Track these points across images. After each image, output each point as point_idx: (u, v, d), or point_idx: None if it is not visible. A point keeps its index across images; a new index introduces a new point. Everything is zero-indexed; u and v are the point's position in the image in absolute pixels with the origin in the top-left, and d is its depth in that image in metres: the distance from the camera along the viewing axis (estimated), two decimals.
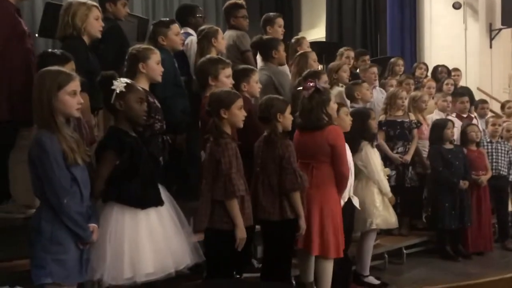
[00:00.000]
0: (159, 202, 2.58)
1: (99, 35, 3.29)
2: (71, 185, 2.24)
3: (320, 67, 5.46)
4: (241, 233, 2.76)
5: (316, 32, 9.99)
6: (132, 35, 4.71)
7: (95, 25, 3.23)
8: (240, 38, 4.46)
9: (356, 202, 3.70)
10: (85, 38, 3.20)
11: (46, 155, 2.17)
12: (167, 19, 3.88)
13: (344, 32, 9.29)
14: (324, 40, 9.17)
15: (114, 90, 2.50)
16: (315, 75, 3.90)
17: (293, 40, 5.09)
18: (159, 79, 3.02)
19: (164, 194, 2.67)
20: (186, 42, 4.10)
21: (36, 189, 2.25)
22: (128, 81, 2.60)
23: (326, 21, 9.66)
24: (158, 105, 2.98)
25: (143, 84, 2.85)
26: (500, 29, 8.45)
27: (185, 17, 4.39)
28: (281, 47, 4.20)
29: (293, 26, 10.16)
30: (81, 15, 3.16)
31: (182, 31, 4.00)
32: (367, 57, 6.20)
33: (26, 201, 3.13)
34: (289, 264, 3.12)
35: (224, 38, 4.18)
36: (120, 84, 2.51)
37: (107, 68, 3.06)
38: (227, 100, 2.84)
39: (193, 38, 4.11)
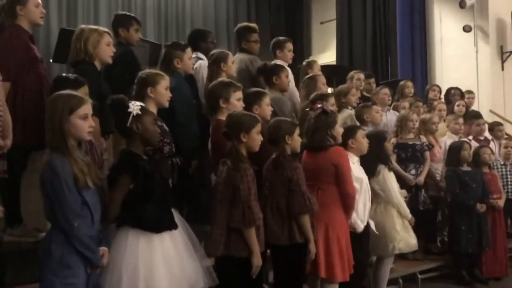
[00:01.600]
0: (173, 226, 2.57)
1: (110, 61, 3.35)
2: (82, 208, 2.24)
3: (330, 90, 5.48)
4: (257, 261, 2.72)
5: (327, 56, 10.06)
6: (144, 60, 4.78)
7: (106, 51, 3.29)
8: (252, 62, 4.49)
9: (372, 225, 3.66)
10: (97, 63, 3.27)
11: (58, 179, 2.18)
12: (182, 42, 3.94)
13: (354, 55, 9.34)
14: (334, 63, 9.23)
15: (129, 113, 2.51)
16: (323, 97, 3.92)
17: (304, 63, 5.12)
18: (167, 104, 3.05)
19: (176, 217, 2.65)
20: (195, 66, 4.16)
21: (47, 212, 2.26)
22: (142, 104, 2.63)
23: (337, 45, 9.73)
24: (166, 128, 3.01)
25: (151, 109, 2.87)
26: (511, 52, 8.43)
27: (197, 42, 4.45)
28: (283, 74, 4.20)
29: (303, 50, 10.25)
30: (93, 41, 3.23)
31: (193, 55, 4.06)
32: (373, 79, 6.24)
33: (37, 225, 3.15)
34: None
35: (235, 61, 4.22)
36: (135, 106, 2.53)
37: (119, 92, 3.09)
38: (248, 123, 2.82)
39: (202, 63, 4.16)
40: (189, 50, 3.76)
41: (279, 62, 4.60)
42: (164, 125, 3.00)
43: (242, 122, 2.82)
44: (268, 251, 3.12)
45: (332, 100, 4.10)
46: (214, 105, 3.24)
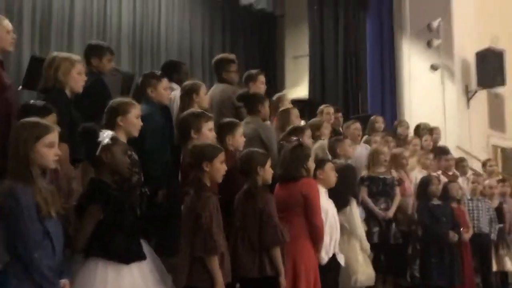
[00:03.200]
0: (142, 257, 2.53)
1: (80, 90, 3.31)
2: (43, 238, 2.17)
3: (302, 122, 5.54)
4: None
5: (300, 90, 10.20)
6: (116, 89, 4.74)
7: (77, 79, 3.26)
8: (236, 93, 4.51)
9: (341, 259, 3.65)
10: (67, 91, 3.22)
11: (19, 208, 2.12)
12: (158, 72, 3.94)
13: (326, 90, 9.51)
14: (307, 97, 9.37)
15: (99, 142, 2.48)
16: (300, 130, 3.96)
17: (274, 98, 5.19)
18: (136, 134, 3.02)
19: (145, 248, 2.61)
20: (170, 96, 4.14)
21: (6, 242, 2.16)
22: (113, 133, 2.60)
23: (309, 80, 9.91)
24: (136, 157, 2.97)
25: (121, 138, 2.83)
26: (476, 91, 8.76)
27: (171, 73, 4.42)
28: (267, 103, 4.26)
29: (277, 83, 10.39)
30: (64, 69, 3.19)
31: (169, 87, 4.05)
32: (340, 114, 6.34)
33: None
34: None
35: (214, 92, 4.23)
36: (106, 136, 2.50)
37: (90, 121, 3.06)
38: (210, 153, 2.84)
39: (177, 93, 4.15)
40: (164, 80, 3.75)
41: None
42: (133, 154, 2.95)
43: (205, 152, 2.83)
44: (238, 285, 3.07)
45: (309, 132, 4.15)
46: (185, 135, 3.23)
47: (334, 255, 3.58)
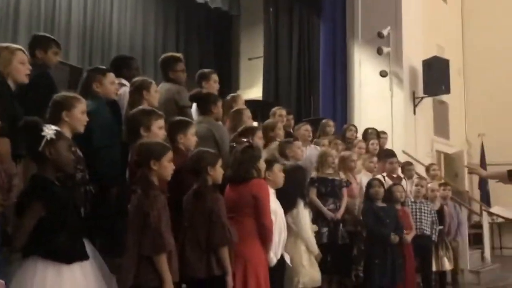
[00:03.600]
0: (84, 257, 2.46)
1: (25, 80, 3.18)
2: None
3: (255, 124, 5.57)
4: None
5: (254, 91, 10.26)
6: (63, 83, 4.58)
7: (20, 69, 3.12)
8: (180, 93, 4.45)
9: (287, 258, 3.68)
10: (10, 83, 3.08)
11: None
12: (104, 66, 3.83)
13: (280, 92, 9.62)
14: (261, 99, 9.43)
15: (43, 137, 2.39)
16: (251, 130, 3.97)
17: (228, 98, 5.17)
18: (82, 129, 2.94)
19: (88, 248, 2.54)
20: (119, 92, 4.05)
21: None
22: (58, 128, 2.51)
23: (263, 81, 9.98)
24: (80, 154, 2.88)
25: (65, 133, 2.73)
26: (422, 97, 9.11)
27: (120, 68, 4.31)
28: (219, 103, 4.23)
29: (231, 85, 10.40)
30: (4, 59, 3.06)
31: (117, 81, 3.95)
32: (291, 116, 6.41)
33: None
34: None
35: (160, 91, 4.15)
36: (50, 131, 2.42)
37: (34, 115, 2.94)
38: (158, 151, 2.79)
39: (126, 89, 4.06)
40: (110, 75, 3.66)
41: None
42: (78, 150, 2.87)
43: (152, 150, 2.78)
44: (184, 285, 3.05)
45: (260, 133, 4.15)
46: (134, 133, 3.16)
47: (282, 255, 3.60)
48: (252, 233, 3.25)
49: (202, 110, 4.20)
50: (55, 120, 2.79)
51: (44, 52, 3.77)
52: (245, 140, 3.35)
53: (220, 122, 4.56)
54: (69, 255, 2.37)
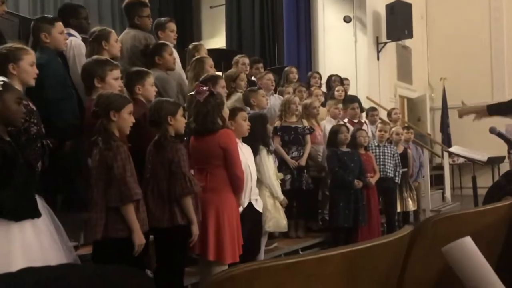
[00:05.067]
0: (35, 214, 2.39)
1: None
2: None
3: (219, 74, 5.48)
4: (139, 239, 2.62)
5: (217, 41, 10.06)
6: (13, 35, 4.35)
7: None
8: (147, 39, 4.30)
9: (259, 206, 3.73)
10: None
11: None
12: (51, 16, 3.64)
13: (243, 41, 9.46)
14: (224, 48, 9.27)
15: None
16: (213, 79, 3.89)
17: (190, 47, 5.04)
18: (32, 82, 2.82)
19: (41, 205, 2.48)
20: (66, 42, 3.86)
21: None
22: (5, 79, 2.39)
23: (226, 31, 9.77)
24: (33, 107, 2.77)
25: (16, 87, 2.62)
26: (385, 43, 9.12)
27: (68, 18, 4.02)
28: (166, 52, 4.09)
29: (193, 35, 10.15)
30: None
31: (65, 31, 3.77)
32: (261, 64, 6.35)
33: None
34: (182, 271, 3.03)
35: (126, 38, 3.98)
36: None
37: None
38: (118, 102, 2.73)
39: (73, 39, 3.86)
40: (59, 24, 3.47)
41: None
42: (30, 104, 2.76)
43: (112, 101, 2.71)
44: (152, 236, 3.05)
45: (222, 82, 4.05)
46: (88, 85, 3.05)
47: (250, 203, 3.64)
48: (224, 183, 3.24)
49: (150, 64, 4.07)
50: (2, 73, 2.65)
51: None
52: (204, 88, 3.24)
53: (182, 72, 4.46)
54: (17, 212, 2.30)
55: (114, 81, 3.07)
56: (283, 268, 0.88)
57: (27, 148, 2.53)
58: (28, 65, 2.78)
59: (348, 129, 5.25)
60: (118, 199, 2.58)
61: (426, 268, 1.16)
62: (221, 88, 3.95)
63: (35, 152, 2.69)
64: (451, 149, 6.10)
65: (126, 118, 2.75)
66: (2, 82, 2.32)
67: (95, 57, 3.23)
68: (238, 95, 4.67)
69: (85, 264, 2.50)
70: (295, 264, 0.89)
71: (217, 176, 3.23)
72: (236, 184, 3.29)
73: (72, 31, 3.92)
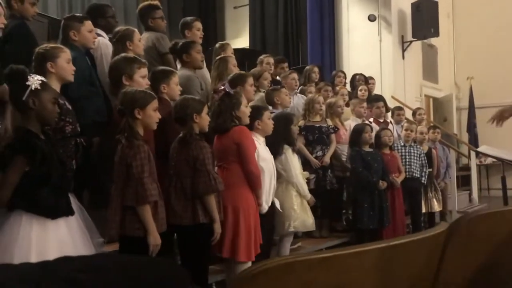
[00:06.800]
0: (70, 212, 2.44)
1: None
2: None
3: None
4: (154, 240, 2.62)
5: (240, 41, 10.08)
6: (42, 36, 4.44)
7: None
8: (159, 40, 4.37)
9: (277, 204, 3.72)
10: None
11: None
12: (81, 14, 3.71)
13: (267, 41, 9.46)
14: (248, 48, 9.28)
15: (27, 86, 2.32)
16: (242, 77, 3.89)
17: (217, 46, 5.06)
18: (71, 78, 2.88)
19: (73, 202, 2.53)
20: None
21: None
22: (43, 79, 2.44)
23: (250, 31, 9.78)
24: (69, 107, 2.83)
25: (54, 85, 2.68)
26: (411, 41, 9.00)
27: (95, 17, 4.10)
28: (194, 50, 4.13)
29: (217, 35, 10.19)
30: None
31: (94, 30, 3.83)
32: (286, 64, 6.33)
33: None
34: (205, 269, 3.03)
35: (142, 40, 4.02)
36: (35, 80, 2.34)
37: None
38: (143, 100, 2.73)
39: (101, 39, 3.93)
40: (88, 22, 3.54)
41: None
42: (66, 103, 2.82)
43: (137, 98, 2.72)
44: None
45: (251, 80, 4.03)
46: (116, 83, 3.09)
47: (273, 201, 3.63)
48: (240, 179, 3.24)
49: (179, 61, 4.14)
50: (42, 72, 2.71)
51: (20, 3, 3.63)
52: (221, 87, 3.27)
53: (196, 71, 4.49)
54: (54, 210, 2.35)
55: (141, 79, 3.10)
56: (317, 262, 0.87)
57: (62, 146, 2.58)
58: (65, 62, 2.84)
59: (372, 128, 5.20)
60: (134, 199, 2.58)
61: (461, 265, 1.13)
62: (249, 86, 3.93)
63: (70, 150, 2.74)
64: (480, 149, 5.99)
65: (152, 115, 2.76)
66: (40, 82, 2.37)
67: (123, 54, 3.28)
68: (260, 94, 4.66)
69: (120, 255, 2.53)
70: (330, 259, 0.88)
71: (233, 172, 3.23)
72: (251, 180, 3.26)
73: (100, 31, 4.00)
